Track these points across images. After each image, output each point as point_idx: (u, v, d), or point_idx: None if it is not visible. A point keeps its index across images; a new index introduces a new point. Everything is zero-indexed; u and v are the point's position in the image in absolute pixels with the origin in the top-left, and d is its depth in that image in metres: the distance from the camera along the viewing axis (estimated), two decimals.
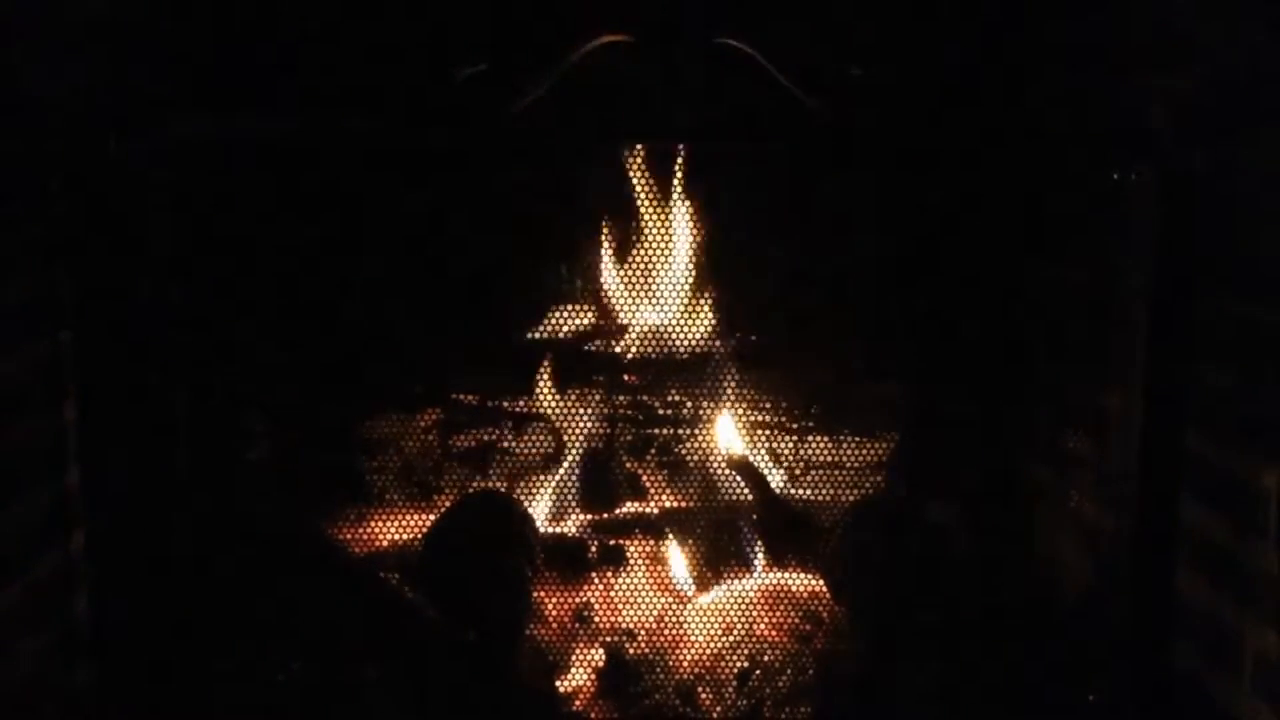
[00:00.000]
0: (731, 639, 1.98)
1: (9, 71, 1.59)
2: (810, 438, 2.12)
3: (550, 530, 2.08)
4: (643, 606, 2.01)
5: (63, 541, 1.74)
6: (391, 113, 1.89)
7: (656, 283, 2.09)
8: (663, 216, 2.08)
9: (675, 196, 2.07)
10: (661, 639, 1.99)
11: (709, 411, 2.10)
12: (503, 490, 2.09)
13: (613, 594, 2.03)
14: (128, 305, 1.77)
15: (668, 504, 2.11)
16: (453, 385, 2.16)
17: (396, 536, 2.05)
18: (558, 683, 1.94)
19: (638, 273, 2.09)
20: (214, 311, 1.96)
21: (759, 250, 2.09)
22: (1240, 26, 1.61)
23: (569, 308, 2.11)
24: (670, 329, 2.10)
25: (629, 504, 2.12)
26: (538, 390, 2.11)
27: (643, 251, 2.08)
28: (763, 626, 2.01)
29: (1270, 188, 1.56)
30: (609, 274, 2.11)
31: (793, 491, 2.11)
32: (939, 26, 2.10)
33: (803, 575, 2.06)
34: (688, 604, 2.04)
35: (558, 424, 2.10)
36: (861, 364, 2.13)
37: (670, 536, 2.08)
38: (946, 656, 1.91)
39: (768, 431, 2.12)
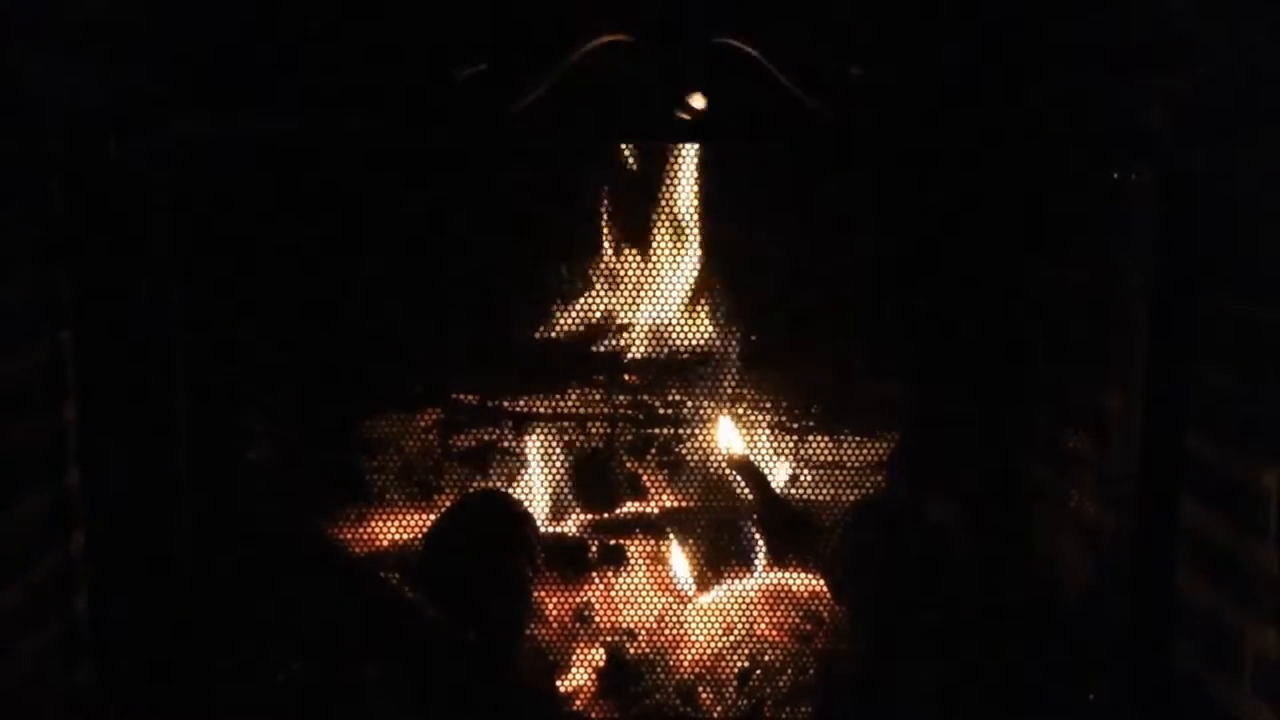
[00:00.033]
0: (731, 639, 1.98)
1: (9, 71, 1.59)
2: (810, 438, 2.12)
3: (550, 530, 2.08)
4: (643, 606, 2.01)
5: (63, 541, 1.74)
6: (391, 113, 1.89)
7: (656, 282, 2.09)
8: (662, 216, 2.08)
9: (675, 196, 2.07)
10: (661, 639, 1.99)
11: (709, 411, 2.10)
12: (503, 490, 2.09)
13: (613, 594, 2.03)
14: (128, 305, 1.76)
15: (668, 504, 2.12)
16: (453, 385, 2.15)
17: (396, 536, 2.05)
18: (558, 683, 1.94)
19: (637, 272, 2.09)
20: (214, 311, 1.96)
21: (759, 250, 2.08)
22: (1240, 26, 1.61)
23: (569, 308, 2.11)
24: (671, 329, 2.10)
25: (629, 504, 2.12)
26: (536, 390, 2.11)
27: (642, 251, 2.08)
28: (763, 626, 2.01)
29: (1270, 188, 1.56)
30: (609, 274, 2.11)
31: (793, 491, 2.11)
32: (939, 26, 2.10)
33: (803, 575, 2.06)
34: (688, 604, 2.04)
35: (557, 424, 2.10)
36: (861, 364, 2.13)
37: (670, 536, 2.08)
38: (946, 656, 1.91)
39: (768, 431, 2.12)
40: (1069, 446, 2.05)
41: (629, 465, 2.12)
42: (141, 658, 1.81)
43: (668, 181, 2.06)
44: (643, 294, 2.10)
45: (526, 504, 2.07)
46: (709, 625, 2.00)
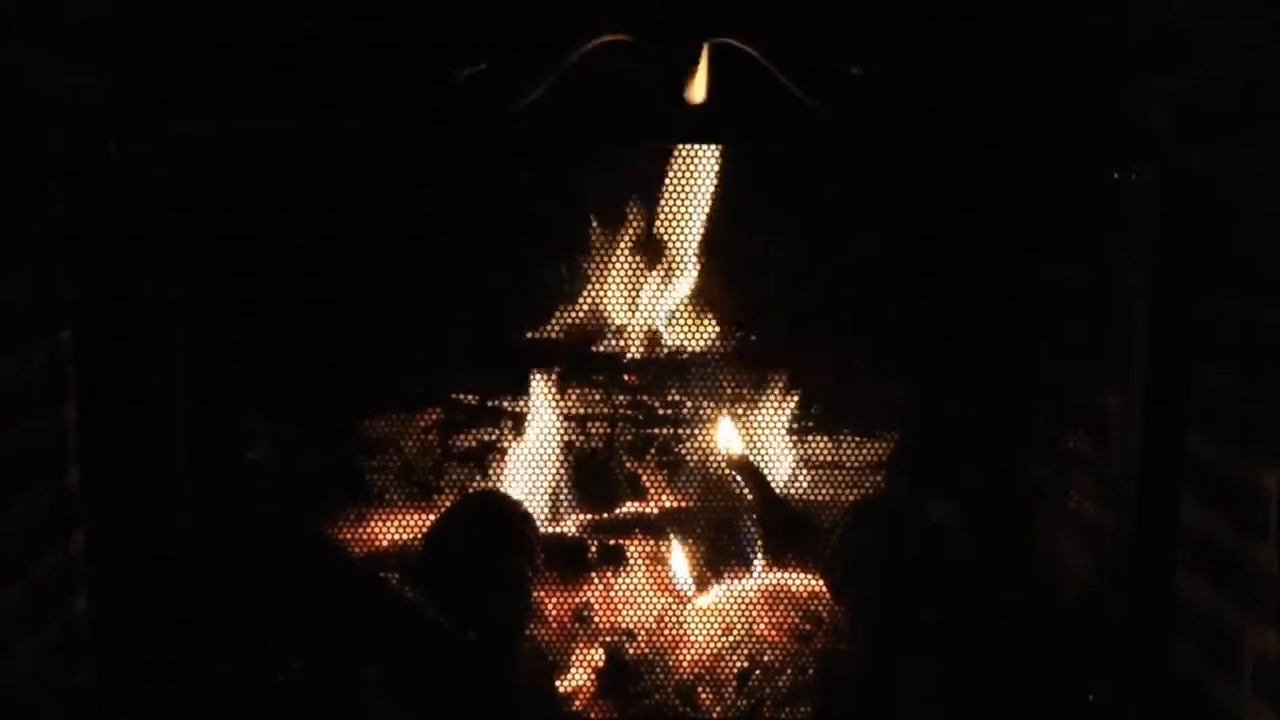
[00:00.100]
0: (731, 639, 1.98)
1: (9, 71, 1.59)
2: (810, 438, 2.12)
3: (550, 530, 2.08)
4: (643, 606, 2.01)
5: (63, 541, 1.74)
6: (391, 113, 1.89)
7: (656, 282, 2.09)
8: (663, 216, 2.08)
9: (675, 197, 2.07)
10: (661, 639, 1.99)
11: (709, 411, 2.10)
12: (502, 490, 2.09)
13: (613, 594, 2.03)
14: (128, 305, 1.76)
15: (668, 504, 2.11)
16: (453, 385, 2.15)
17: (396, 536, 2.05)
18: (558, 683, 1.94)
19: (637, 273, 2.09)
20: (214, 311, 1.96)
21: (759, 250, 2.08)
22: (1240, 26, 1.61)
23: (569, 307, 2.11)
24: (671, 329, 2.10)
25: (629, 504, 2.12)
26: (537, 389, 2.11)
27: (642, 251, 2.08)
28: (763, 626, 2.01)
29: (1270, 188, 1.56)
30: (608, 274, 2.11)
31: (793, 491, 2.11)
32: (939, 26, 2.10)
33: (803, 575, 2.06)
34: (688, 604, 2.04)
35: (557, 423, 2.10)
36: (861, 364, 2.13)
37: (670, 536, 2.08)
38: (946, 656, 1.91)
39: (767, 431, 2.12)
40: (1069, 446, 2.05)
41: (629, 465, 2.12)
42: (141, 658, 1.81)
43: (668, 181, 2.06)
44: (642, 294, 2.10)
45: (526, 504, 2.07)
46: (709, 625, 1.99)
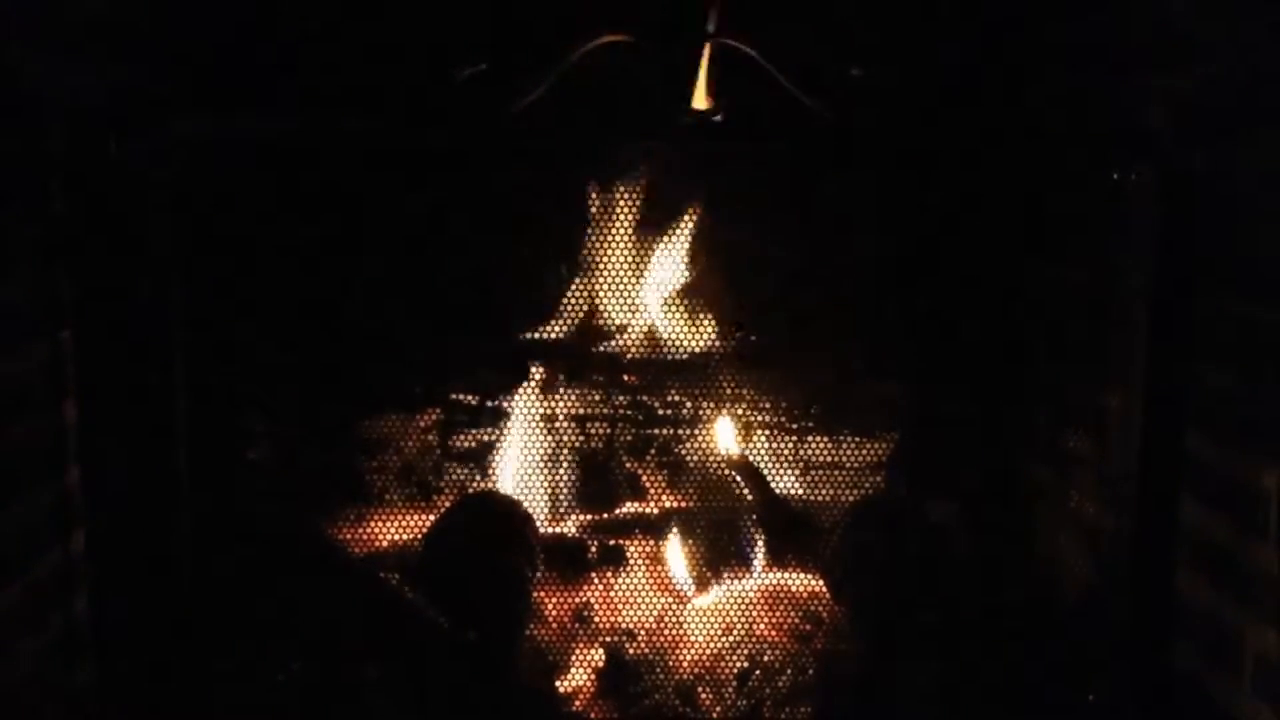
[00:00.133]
0: (731, 639, 1.98)
1: (9, 71, 1.59)
2: (810, 438, 2.12)
3: (550, 530, 2.08)
4: (643, 606, 2.01)
5: (63, 541, 1.74)
6: (391, 113, 1.89)
7: (657, 282, 2.09)
8: (663, 216, 2.08)
9: (676, 196, 2.07)
10: (661, 639, 1.99)
11: (709, 411, 2.10)
12: (502, 490, 2.09)
13: (613, 594, 2.03)
14: (128, 305, 1.76)
15: (668, 504, 2.11)
16: (453, 385, 2.15)
17: (396, 536, 2.05)
18: (558, 683, 1.94)
19: (638, 272, 2.09)
20: (214, 311, 1.96)
21: (759, 250, 2.08)
22: (1240, 26, 1.61)
23: (569, 308, 2.11)
24: (670, 329, 2.10)
25: (629, 504, 2.12)
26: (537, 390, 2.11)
27: (643, 251, 2.08)
28: (763, 626, 2.01)
29: (1270, 188, 1.56)
30: (608, 273, 2.11)
31: (793, 491, 2.11)
32: (939, 27, 2.10)
33: (803, 575, 2.06)
34: (688, 604, 2.04)
35: (557, 424, 2.10)
36: (861, 364, 2.13)
37: (670, 536, 2.08)
38: (946, 656, 1.91)
39: (768, 431, 2.12)
40: (1069, 446, 2.05)
41: (629, 465, 2.12)
42: (141, 658, 1.81)
43: (668, 181, 2.06)
44: (642, 294, 2.10)
45: (526, 504, 2.07)
46: (709, 625, 2.00)
